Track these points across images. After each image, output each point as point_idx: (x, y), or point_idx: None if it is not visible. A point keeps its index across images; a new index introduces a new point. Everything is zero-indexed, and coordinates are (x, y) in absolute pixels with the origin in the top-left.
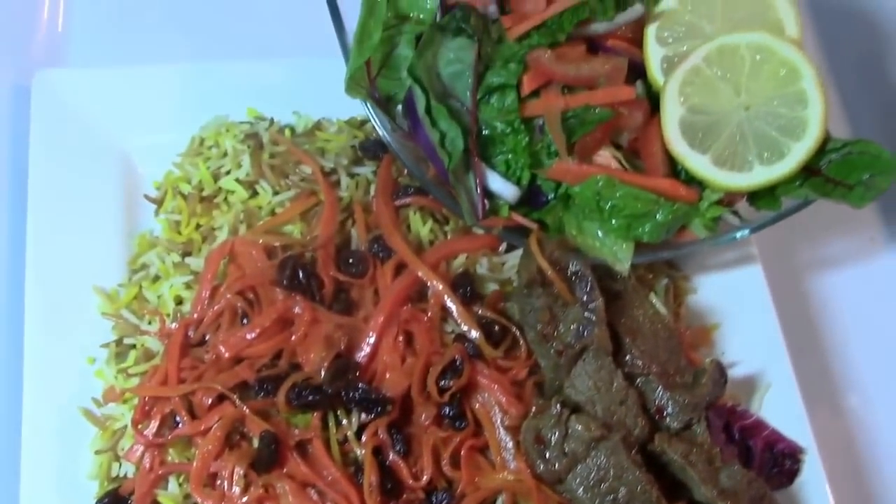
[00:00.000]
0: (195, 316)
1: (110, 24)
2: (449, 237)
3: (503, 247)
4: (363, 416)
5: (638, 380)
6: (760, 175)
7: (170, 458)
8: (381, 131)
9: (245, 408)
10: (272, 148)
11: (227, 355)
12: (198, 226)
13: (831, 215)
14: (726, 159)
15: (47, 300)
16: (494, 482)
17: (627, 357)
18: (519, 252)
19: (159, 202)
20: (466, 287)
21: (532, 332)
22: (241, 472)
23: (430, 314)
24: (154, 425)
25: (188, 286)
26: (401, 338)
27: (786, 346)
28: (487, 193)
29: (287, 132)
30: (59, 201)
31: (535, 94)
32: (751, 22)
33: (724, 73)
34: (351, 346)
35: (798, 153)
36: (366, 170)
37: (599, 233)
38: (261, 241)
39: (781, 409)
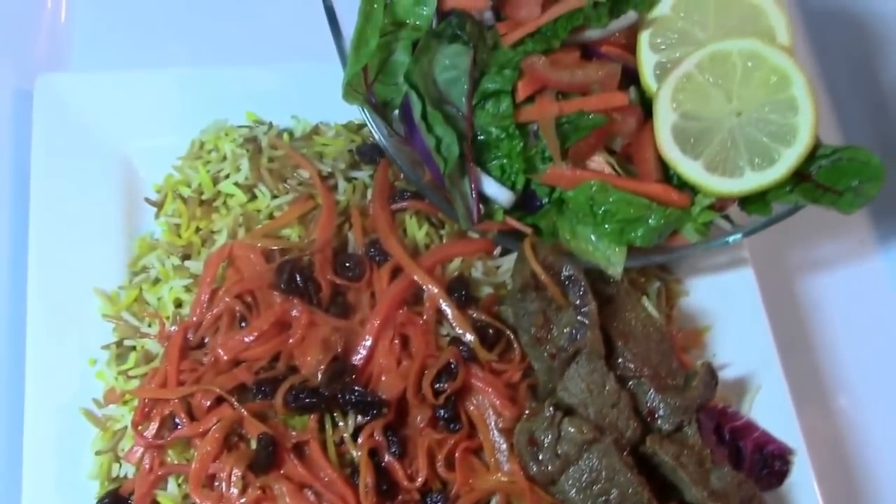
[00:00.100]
0: (194, 319)
1: (112, 28)
2: (444, 241)
3: (498, 251)
4: (359, 418)
5: (630, 382)
6: (751, 181)
7: (169, 460)
8: (377, 136)
9: (243, 410)
10: (271, 152)
11: (225, 358)
12: (197, 229)
13: (821, 218)
14: (718, 165)
15: (49, 301)
16: (488, 483)
17: (620, 360)
18: (513, 256)
19: (160, 205)
20: (461, 291)
21: (526, 335)
22: (239, 473)
23: (425, 317)
24: (154, 427)
25: (188, 289)
26: (396, 341)
27: (776, 348)
28: (482, 198)
29: (285, 136)
30: (61, 204)
31: (530, 99)
32: (743, 29)
33: (716, 80)
34: (347, 349)
35: (788, 159)
36: (363, 174)
37: (593, 237)
38: (259, 244)
39: (771, 411)
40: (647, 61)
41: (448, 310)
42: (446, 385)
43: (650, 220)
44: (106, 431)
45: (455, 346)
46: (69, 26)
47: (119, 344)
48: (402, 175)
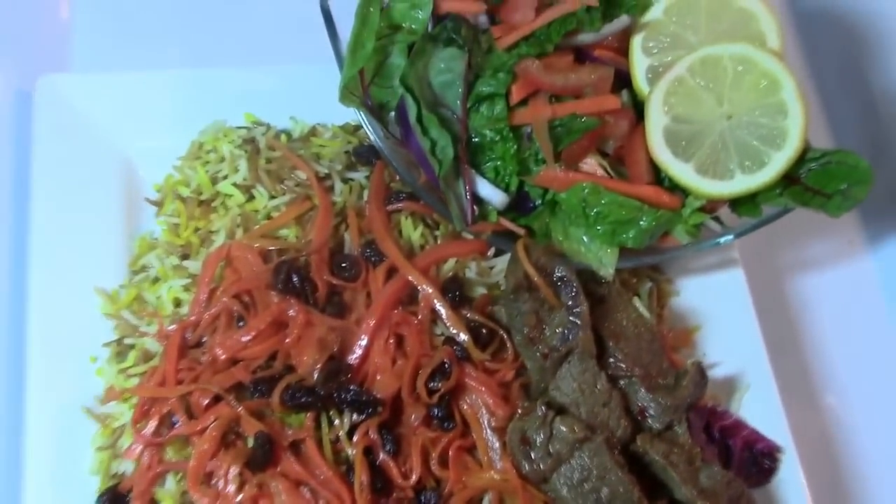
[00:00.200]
0: (193, 318)
1: (113, 30)
2: (439, 242)
3: (492, 251)
4: (355, 416)
5: (621, 382)
6: (741, 183)
7: (167, 457)
8: (373, 138)
9: (240, 408)
10: (268, 153)
11: (223, 357)
12: (196, 229)
13: (811, 219)
14: (708, 167)
15: (50, 299)
16: (481, 481)
17: (611, 360)
18: (507, 256)
19: (159, 205)
20: (455, 291)
21: (519, 335)
22: (237, 470)
23: (420, 317)
24: (152, 425)
25: (186, 289)
26: (392, 340)
27: (765, 347)
28: (477, 199)
29: (283, 137)
30: (62, 203)
31: (524, 102)
32: (734, 33)
33: (708, 84)
34: (343, 349)
35: (778, 162)
36: (359, 175)
37: (585, 238)
38: (256, 245)
39: (760, 410)
40: (639, 65)
41: (442, 310)
42: (440, 384)
43: (642, 222)
44: (106, 428)
45: (449, 345)
46: (70, 28)
47: (119, 342)
48: (397, 177)
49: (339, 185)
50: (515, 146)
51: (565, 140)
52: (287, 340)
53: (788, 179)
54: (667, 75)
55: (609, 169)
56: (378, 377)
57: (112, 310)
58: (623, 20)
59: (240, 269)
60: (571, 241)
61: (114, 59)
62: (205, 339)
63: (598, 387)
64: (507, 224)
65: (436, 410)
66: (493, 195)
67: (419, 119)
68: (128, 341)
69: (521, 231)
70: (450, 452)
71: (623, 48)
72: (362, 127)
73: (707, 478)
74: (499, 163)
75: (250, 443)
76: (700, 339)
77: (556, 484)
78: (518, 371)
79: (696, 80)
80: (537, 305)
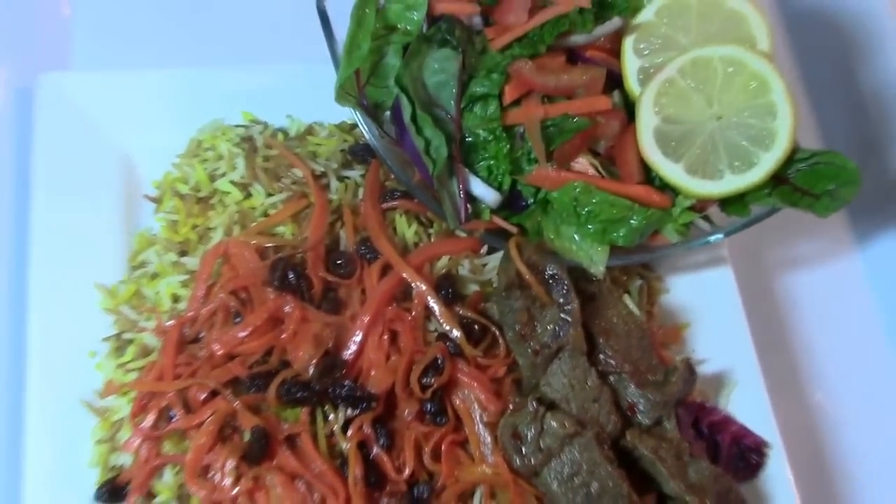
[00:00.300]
0: (190, 314)
1: (113, 29)
2: (433, 240)
3: (484, 249)
4: (349, 411)
5: (611, 378)
6: (731, 183)
7: (165, 450)
8: (369, 137)
9: (237, 403)
10: (266, 151)
11: (220, 352)
12: (194, 226)
13: (800, 218)
14: (698, 168)
15: (50, 295)
16: (473, 475)
17: (601, 356)
18: (499, 254)
19: (158, 201)
20: (449, 288)
21: (511, 331)
22: (233, 464)
23: (413, 314)
24: (150, 419)
25: (184, 285)
26: (386, 336)
27: (753, 344)
28: (470, 198)
29: (280, 136)
30: (62, 200)
31: (517, 103)
32: (724, 35)
33: (698, 85)
34: (338, 344)
35: (767, 163)
36: (355, 173)
37: (576, 237)
38: (253, 242)
39: (748, 406)
40: (630, 66)
41: (435, 306)
42: (433, 380)
43: (632, 221)
44: (105, 422)
45: (442, 341)
46: (71, 26)
47: (118, 337)
48: (392, 175)
49: (334, 184)
50: (508, 146)
51: (557, 140)
52: (283, 336)
53: (777, 179)
54: (658, 76)
55: (600, 168)
56: (372, 373)
57: (111, 305)
58: (615, 22)
59: (237, 266)
60: (563, 239)
61: (114, 58)
62: (202, 334)
63: (589, 383)
64: (500, 222)
65: (429, 405)
66: (486, 194)
67: (414, 119)
68: (127, 336)
69: (514, 229)
70: (442, 447)
71: (615, 49)
72: (358, 126)
73: (695, 472)
74: (492, 162)
75: (247, 437)
76: (689, 336)
77: (547, 478)
78: (510, 367)
79: (687, 81)
80: (529, 303)
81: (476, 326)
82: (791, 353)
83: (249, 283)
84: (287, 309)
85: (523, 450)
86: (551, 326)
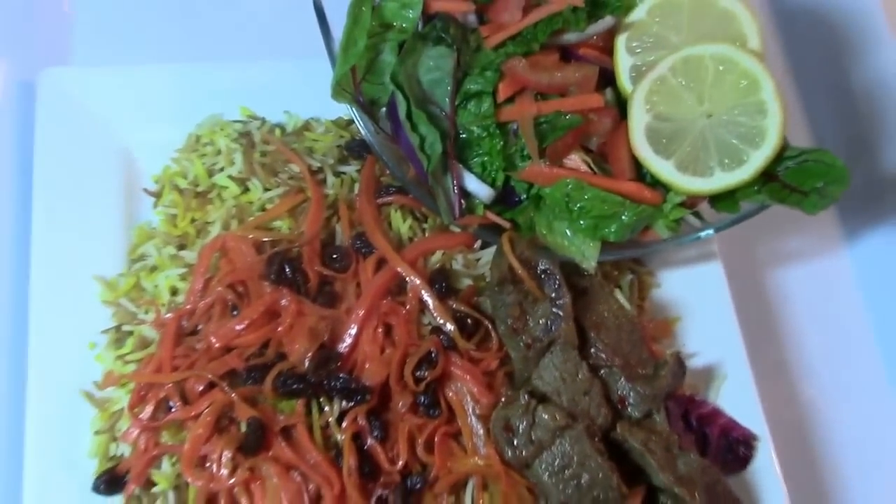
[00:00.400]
0: (188, 307)
1: (113, 24)
2: (427, 234)
3: (478, 244)
4: (344, 403)
5: (602, 371)
6: (721, 180)
7: (163, 441)
8: (365, 133)
9: (234, 394)
10: (263, 147)
11: (217, 345)
12: (193, 219)
13: (789, 214)
14: (689, 165)
15: (51, 287)
16: (466, 467)
17: (592, 350)
18: (493, 249)
19: (157, 195)
20: (442, 282)
21: (503, 325)
22: (230, 454)
23: (408, 307)
24: (149, 409)
25: (183, 278)
26: (380, 329)
27: (742, 338)
28: (464, 193)
29: (277, 131)
30: (63, 193)
31: (510, 100)
32: (715, 34)
33: (689, 83)
34: (334, 337)
35: (756, 160)
36: (350, 169)
37: (568, 232)
38: (250, 236)
39: (737, 399)
40: (623, 64)
41: (429, 300)
42: (427, 372)
43: (623, 217)
44: (104, 412)
45: (436, 335)
46: (72, 22)
47: (117, 329)
48: (387, 171)
49: (331, 179)
50: (502, 142)
51: (550, 136)
52: (279, 329)
53: (766, 177)
54: (649, 74)
55: (592, 165)
56: (367, 365)
57: (111, 297)
58: (607, 20)
59: (234, 260)
60: (555, 234)
61: (114, 53)
62: (200, 327)
63: (580, 376)
64: (493, 218)
65: (422, 398)
66: (480, 189)
67: (409, 115)
68: (126, 328)
69: (507, 224)
70: (435, 438)
71: (608, 47)
72: (354, 122)
73: (684, 464)
74: (486, 158)
75: (243, 428)
76: (680, 330)
77: (538, 470)
78: (502, 360)
79: (678, 79)
80: (521, 297)
81: (469, 320)
82: (779, 348)
83: (246, 277)
84: (283, 302)
85: (515, 442)
86: (543, 320)
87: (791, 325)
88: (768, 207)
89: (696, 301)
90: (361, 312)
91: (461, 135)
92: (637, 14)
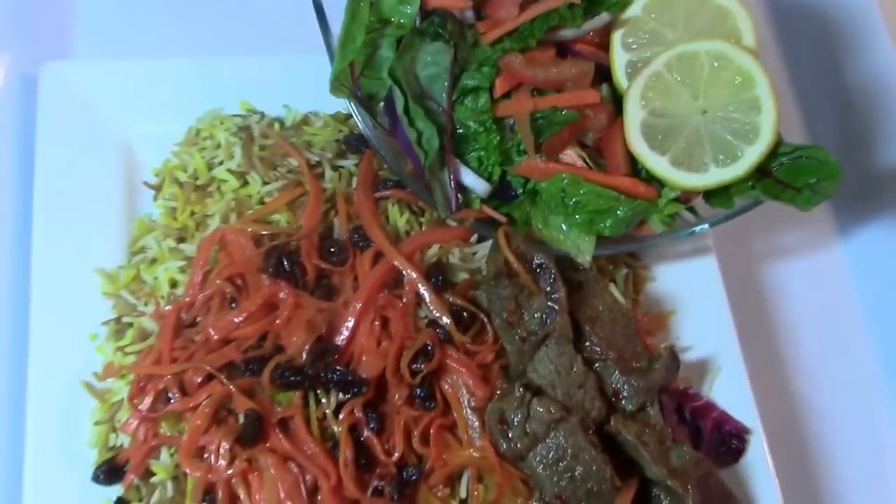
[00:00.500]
0: (188, 299)
1: (115, 18)
2: (424, 228)
3: (474, 238)
4: (341, 395)
5: (596, 365)
6: (715, 176)
7: (162, 431)
8: (363, 128)
9: (232, 386)
10: (262, 141)
11: (216, 337)
12: (192, 212)
13: (783, 209)
14: (683, 160)
15: (52, 279)
16: (461, 459)
17: (587, 343)
18: (489, 243)
19: (157, 188)
20: (439, 276)
21: (499, 319)
22: (227, 445)
23: (404, 301)
24: (148, 401)
25: (182, 270)
26: (377, 322)
27: (736, 332)
28: (460, 188)
29: (276, 126)
30: (64, 185)
31: (507, 95)
32: (711, 31)
33: (684, 79)
34: (331, 330)
35: (750, 157)
36: (349, 163)
37: (564, 226)
38: (249, 229)
39: (730, 392)
40: (618, 60)
41: (426, 294)
42: (423, 365)
43: (618, 212)
44: (104, 403)
45: (432, 328)
46: (74, 16)
47: (117, 320)
48: (385, 165)
49: (329, 173)
50: (498, 137)
51: (546, 132)
52: (277, 322)
53: (760, 172)
54: (645, 70)
55: (588, 160)
56: (364, 358)
57: (111, 289)
58: (603, 17)
59: (233, 253)
60: (551, 228)
61: (115, 48)
62: (199, 319)
63: (574, 369)
64: (490, 212)
65: (418, 390)
66: (477, 184)
67: (406, 110)
68: (126, 320)
69: (503, 219)
70: (431, 431)
71: (604, 43)
72: (352, 117)
73: (677, 457)
74: (482, 153)
75: (241, 419)
76: (674, 324)
77: (533, 462)
78: (497, 353)
79: (674, 75)
80: (517, 291)
81: (465, 313)
82: (773, 341)
83: (245, 270)
84: (281, 295)
85: (510, 434)
86: (538, 314)
87: (784, 319)
88: (762, 203)
89: (691, 295)
90: (358, 305)
91: (458, 130)
92: (633, 10)
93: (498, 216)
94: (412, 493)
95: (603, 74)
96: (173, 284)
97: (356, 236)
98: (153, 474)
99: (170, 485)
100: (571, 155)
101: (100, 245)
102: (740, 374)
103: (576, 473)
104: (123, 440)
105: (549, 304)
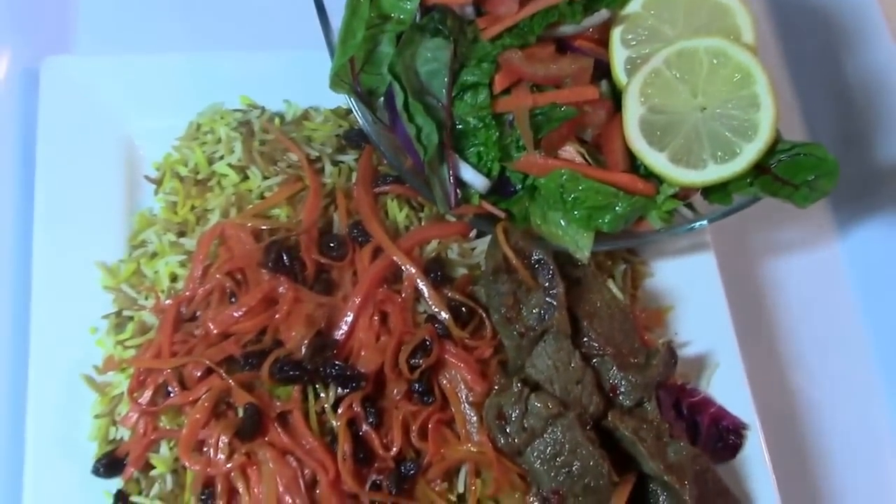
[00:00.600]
0: (188, 293)
1: (116, 14)
2: (423, 223)
3: (473, 233)
4: (339, 390)
5: (594, 360)
6: (713, 173)
7: (162, 425)
8: (362, 123)
9: (231, 380)
10: (262, 135)
11: (215, 331)
12: (193, 207)
13: (781, 205)
14: (682, 157)
15: (53, 272)
16: (459, 453)
17: (585, 339)
18: (487, 239)
19: (158, 182)
20: (438, 271)
21: (497, 314)
22: (226, 439)
23: (403, 296)
24: (148, 394)
25: (182, 264)
26: (376, 317)
27: (733, 328)
28: (460, 183)
29: (277, 120)
30: (65, 179)
31: (506, 91)
32: (710, 27)
33: (683, 76)
34: (330, 325)
35: (749, 153)
36: (348, 158)
37: (562, 222)
38: (249, 224)
39: (728, 388)
40: (618, 56)
41: (425, 289)
42: (421, 360)
43: (617, 208)
44: (104, 396)
45: (430, 323)
46: (75, 11)
47: (118, 314)
48: (384, 160)
49: (328, 168)
50: (497, 133)
51: (545, 128)
52: (276, 316)
53: (759, 169)
54: (644, 67)
55: (587, 156)
56: (362, 353)
57: (112, 283)
58: (603, 14)
59: (233, 248)
60: (549, 224)
61: (116, 42)
62: (199, 313)
63: (572, 365)
64: (489, 207)
65: (416, 385)
66: (476, 180)
67: (406, 106)
68: (126, 314)
69: (502, 214)
70: (429, 425)
71: (603, 40)
72: (352, 112)
73: (674, 453)
74: (481, 149)
75: (240, 413)
76: (672, 319)
77: (530, 457)
78: (496, 349)
79: (673, 72)
80: (515, 286)
81: (464, 309)
82: (770, 337)
83: (245, 265)
84: (281, 290)
85: (508, 429)
86: (537, 310)
87: (782, 315)
88: (760, 200)
89: (689, 291)
90: (358, 300)
91: (457, 125)
92: (632, 7)
93: (497, 212)
94: (410, 487)
95: (602, 71)
96: (173, 278)
97: (355, 231)
98: (153, 467)
99: (169, 478)
100: (570, 151)
101: (100, 239)
102: (738, 369)
103: (573, 468)
104: (123, 433)
105: (547, 299)
